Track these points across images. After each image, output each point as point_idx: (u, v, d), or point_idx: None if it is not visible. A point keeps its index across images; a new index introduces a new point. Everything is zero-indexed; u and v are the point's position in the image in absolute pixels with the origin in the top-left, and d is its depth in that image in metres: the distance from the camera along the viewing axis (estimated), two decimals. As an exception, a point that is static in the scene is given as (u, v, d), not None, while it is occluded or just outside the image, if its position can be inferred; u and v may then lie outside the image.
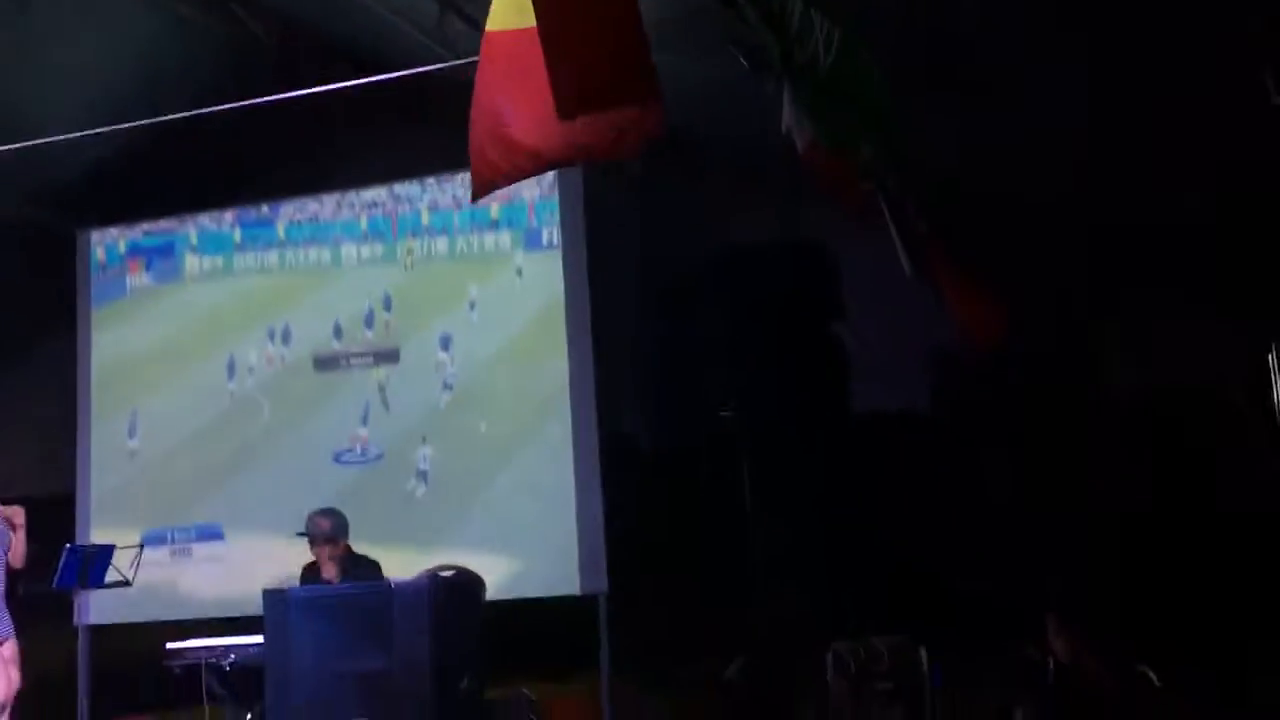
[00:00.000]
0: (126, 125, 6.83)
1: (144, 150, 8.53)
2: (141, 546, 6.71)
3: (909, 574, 7.49)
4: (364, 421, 8.21)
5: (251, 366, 8.54)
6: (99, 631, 8.34)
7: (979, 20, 6.97)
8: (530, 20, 3.41)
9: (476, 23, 7.20)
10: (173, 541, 8.41)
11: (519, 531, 7.65)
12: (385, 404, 8.20)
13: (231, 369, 8.56)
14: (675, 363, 8.81)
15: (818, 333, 8.44)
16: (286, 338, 8.49)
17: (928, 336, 7.54)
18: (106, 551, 6.32)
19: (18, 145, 6.88)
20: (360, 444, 8.20)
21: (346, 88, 6.16)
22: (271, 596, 5.07)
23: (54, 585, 6.21)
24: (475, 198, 3.80)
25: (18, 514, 6.66)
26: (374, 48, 7.81)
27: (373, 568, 6.82)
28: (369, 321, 8.33)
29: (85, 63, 8.01)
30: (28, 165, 8.46)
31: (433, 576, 5.63)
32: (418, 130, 8.12)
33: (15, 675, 6.47)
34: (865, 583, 7.49)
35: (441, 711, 4.69)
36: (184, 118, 6.74)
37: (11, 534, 6.63)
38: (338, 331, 8.40)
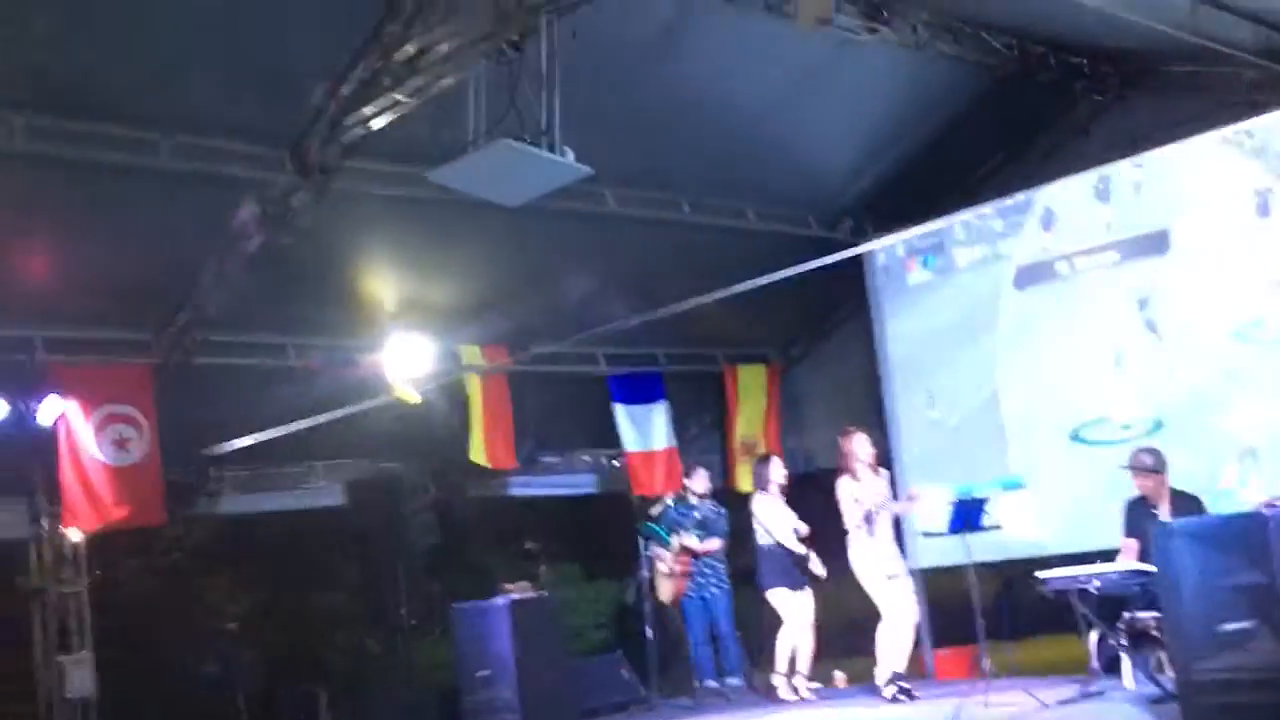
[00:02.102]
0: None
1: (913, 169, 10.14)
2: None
3: None
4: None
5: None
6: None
7: None
8: None
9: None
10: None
11: None
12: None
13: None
14: None
15: None
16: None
17: None
18: (982, 503, 7.83)
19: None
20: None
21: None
22: (1162, 528, 6.24)
23: (949, 530, 7.79)
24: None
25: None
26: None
27: (1193, 502, 7.80)
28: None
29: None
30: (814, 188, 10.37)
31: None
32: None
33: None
34: None
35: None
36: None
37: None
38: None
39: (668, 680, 9.93)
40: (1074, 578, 7.35)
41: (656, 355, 11.53)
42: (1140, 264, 9.26)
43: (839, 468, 8.66)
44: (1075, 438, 9.55)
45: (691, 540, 9.46)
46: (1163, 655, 7.65)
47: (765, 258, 9.88)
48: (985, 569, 8.85)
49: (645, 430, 11.28)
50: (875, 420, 10.41)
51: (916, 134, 10.05)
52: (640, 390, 11.33)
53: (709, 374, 11.87)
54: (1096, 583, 7.26)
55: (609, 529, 14.24)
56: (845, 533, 8.56)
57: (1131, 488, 8.01)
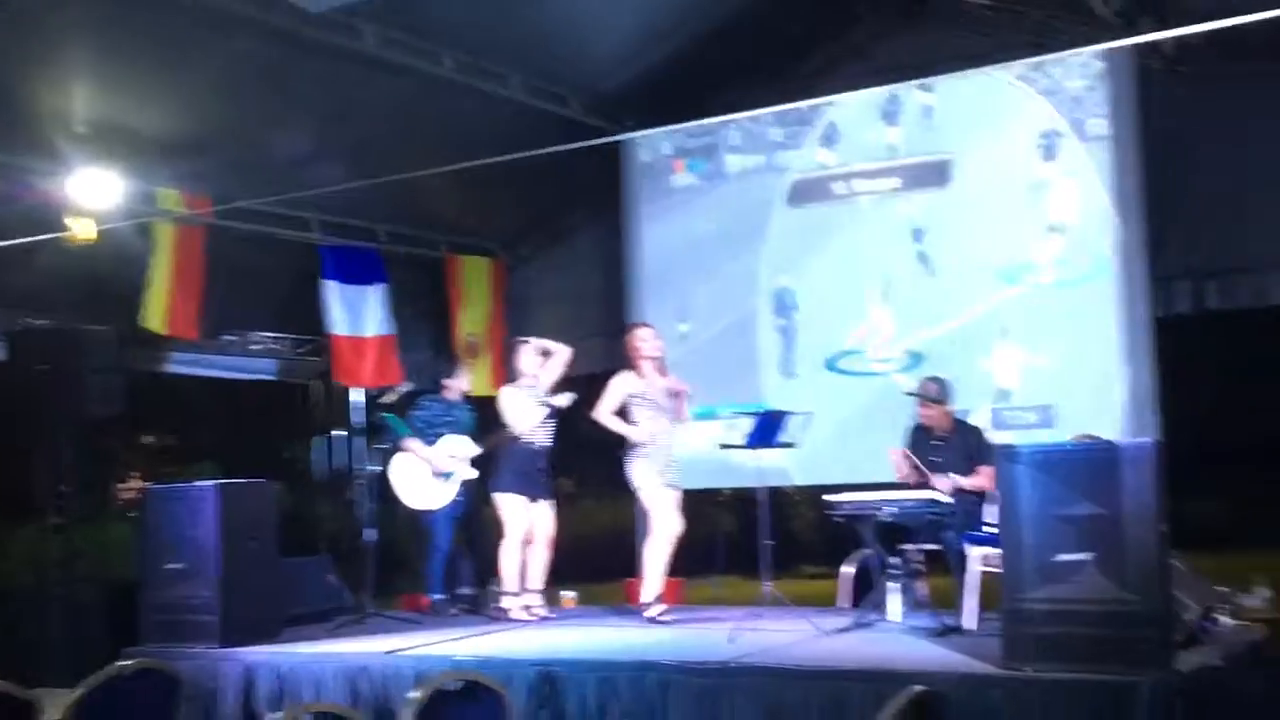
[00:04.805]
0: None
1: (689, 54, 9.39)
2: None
3: None
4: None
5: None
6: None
7: None
8: None
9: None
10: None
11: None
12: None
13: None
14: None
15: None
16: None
17: None
18: (784, 417, 7.22)
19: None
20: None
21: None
22: (1004, 450, 5.83)
23: (747, 445, 7.14)
24: None
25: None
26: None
27: (975, 433, 7.59)
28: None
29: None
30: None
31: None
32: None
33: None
34: None
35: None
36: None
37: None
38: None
39: (388, 589, 8.86)
40: (867, 503, 6.96)
41: (378, 232, 10.32)
42: (920, 194, 9.02)
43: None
44: (831, 366, 9.23)
45: (455, 443, 8.43)
46: (926, 588, 7.48)
47: (517, 138, 9.02)
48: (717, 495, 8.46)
49: (358, 313, 10.05)
50: (615, 330, 9.70)
51: (695, 27, 9.31)
52: (357, 268, 10.10)
53: (433, 260, 10.77)
54: (890, 509, 6.89)
55: (274, 423, 12.96)
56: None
57: (884, 419, 7.88)
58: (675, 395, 7.67)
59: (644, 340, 7.73)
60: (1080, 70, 8.49)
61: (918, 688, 3.15)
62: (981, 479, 7.13)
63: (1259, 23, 7.19)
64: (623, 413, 7.65)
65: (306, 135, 8.65)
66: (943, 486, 7.12)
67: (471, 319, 10.65)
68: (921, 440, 7.53)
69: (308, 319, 10.18)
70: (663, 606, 7.47)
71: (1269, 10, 6.99)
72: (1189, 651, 5.61)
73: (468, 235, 10.96)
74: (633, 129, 9.30)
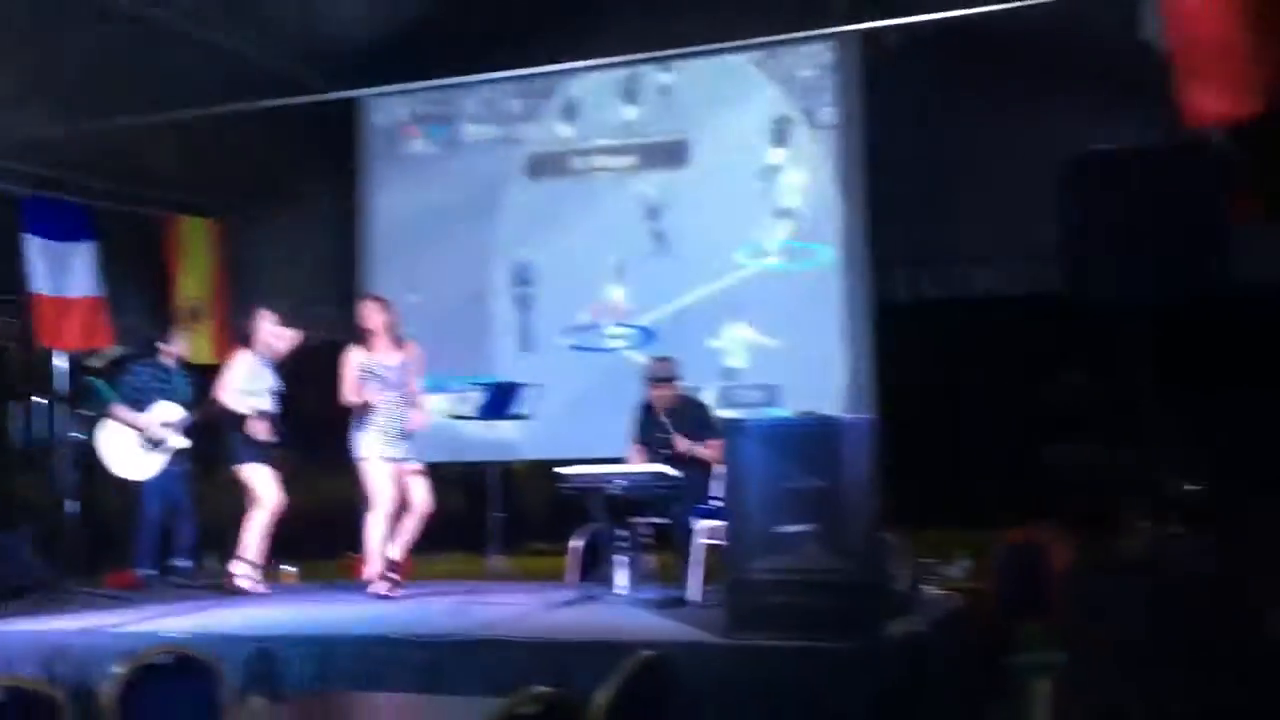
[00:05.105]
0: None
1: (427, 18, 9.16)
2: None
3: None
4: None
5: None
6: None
7: None
8: None
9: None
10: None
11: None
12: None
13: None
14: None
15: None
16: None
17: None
18: (517, 388, 7.13)
19: None
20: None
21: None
22: (731, 424, 5.93)
23: (480, 416, 7.01)
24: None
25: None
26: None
27: (702, 409, 7.74)
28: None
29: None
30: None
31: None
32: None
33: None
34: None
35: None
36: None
37: None
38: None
39: (97, 566, 8.31)
40: (599, 476, 6.98)
41: (91, 186, 9.67)
42: (657, 173, 9.09)
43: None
44: (565, 341, 9.21)
45: (168, 410, 7.97)
46: (653, 562, 7.58)
47: (242, 97, 8.68)
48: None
49: (64, 272, 9.37)
50: (344, 298, 9.43)
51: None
52: (63, 224, 9.42)
53: (151, 220, 10.18)
54: (620, 483, 6.93)
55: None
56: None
57: (616, 395, 7.93)
58: (406, 367, 7.48)
59: (368, 313, 7.52)
60: (811, 59, 8.74)
61: (646, 653, 3.14)
62: (709, 450, 7.27)
63: (977, 24, 7.63)
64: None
65: (5, 79, 8.01)
66: (681, 447, 7.24)
67: (192, 283, 10.13)
68: (650, 416, 7.62)
69: (5, 276, 9.45)
70: (388, 582, 7.28)
71: (984, 5, 7.44)
72: (898, 620, 5.84)
73: (191, 195, 10.41)
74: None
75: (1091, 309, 7.78)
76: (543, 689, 2.65)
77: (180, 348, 8.27)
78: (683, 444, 7.29)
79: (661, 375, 7.61)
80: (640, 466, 7.08)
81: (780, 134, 8.84)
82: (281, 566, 8.35)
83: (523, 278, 9.30)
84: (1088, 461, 9.15)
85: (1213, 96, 5.60)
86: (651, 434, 7.57)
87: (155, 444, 7.91)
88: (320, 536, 8.64)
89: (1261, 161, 5.99)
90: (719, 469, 6.97)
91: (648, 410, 7.65)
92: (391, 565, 7.34)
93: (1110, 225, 6.20)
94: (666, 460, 7.24)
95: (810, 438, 5.74)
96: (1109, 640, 5.43)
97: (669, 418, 7.55)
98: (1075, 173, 6.36)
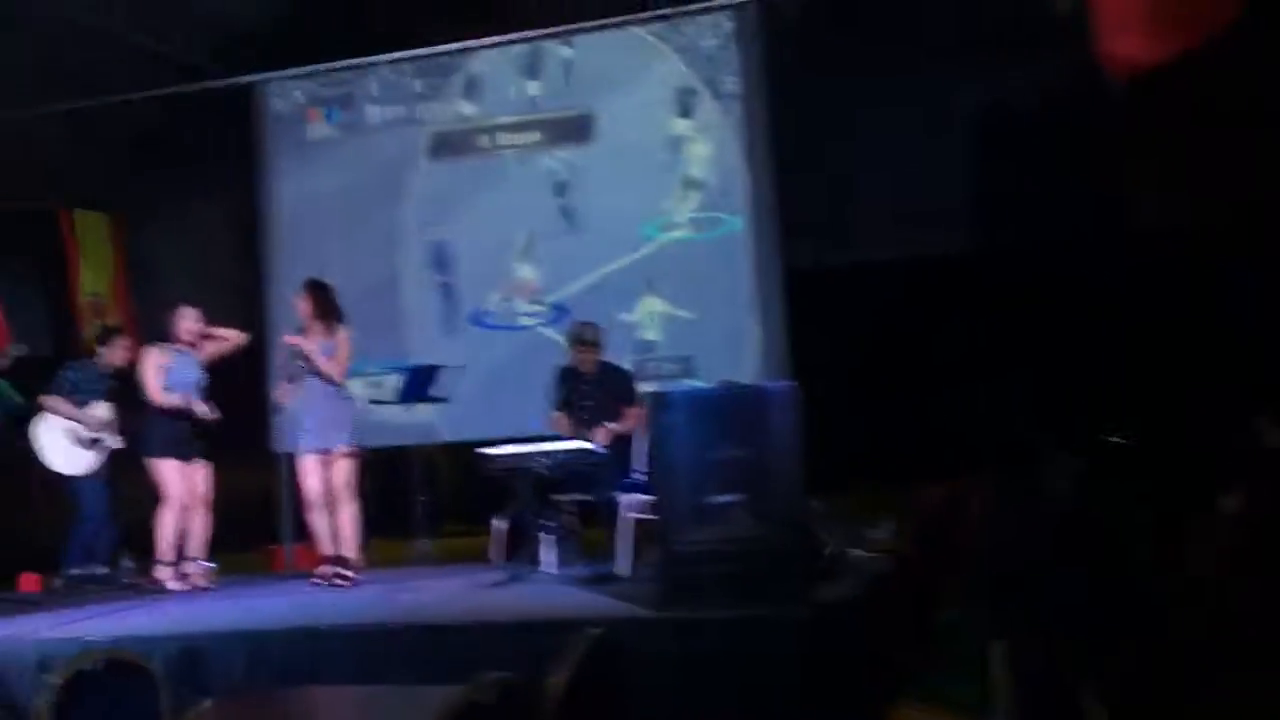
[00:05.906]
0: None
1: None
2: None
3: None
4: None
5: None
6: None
7: None
8: None
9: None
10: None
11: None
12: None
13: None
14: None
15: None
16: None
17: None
18: (436, 371, 7.05)
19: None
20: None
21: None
22: (654, 396, 5.95)
23: (399, 400, 6.93)
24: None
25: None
26: None
27: (624, 376, 7.74)
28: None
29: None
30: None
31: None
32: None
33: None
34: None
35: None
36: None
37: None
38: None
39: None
40: (521, 455, 6.95)
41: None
42: (562, 149, 9.05)
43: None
44: (477, 321, 9.15)
45: (104, 409, 7.82)
46: (579, 539, 7.58)
47: (133, 84, 8.51)
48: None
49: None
50: (250, 288, 9.28)
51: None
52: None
53: (45, 215, 9.89)
54: (545, 461, 6.92)
55: None
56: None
57: (531, 373, 7.96)
58: (329, 351, 7.35)
59: (296, 302, 7.43)
60: (712, 30, 8.75)
61: (594, 630, 3.15)
62: (630, 420, 7.28)
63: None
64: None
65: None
66: (601, 439, 7.22)
67: (93, 279, 9.88)
68: (571, 381, 7.61)
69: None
70: (331, 572, 7.20)
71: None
72: (826, 584, 5.91)
73: (85, 188, 10.14)
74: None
75: (997, 263, 7.95)
76: (498, 675, 2.65)
77: (119, 352, 8.06)
78: (602, 434, 7.28)
79: (587, 338, 7.59)
80: (564, 445, 7.05)
81: (685, 105, 8.85)
82: (199, 561, 8.20)
83: (433, 259, 9.21)
84: (998, 410, 9.33)
85: (1132, 41, 5.63)
86: (573, 399, 7.55)
87: (91, 443, 7.77)
88: (239, 529, 8.50)
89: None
90: (640, 441, 6.99)
91: (570, 375, 7.62)
92: (340, 561, 7.25)
93: (1014, 180, 6.32)
94: (589, 424, 7.25)
95: (733, 407, 5.80)
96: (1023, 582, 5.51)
97: (590, 384, 7.54)
98: (978, 132, 6.47)
